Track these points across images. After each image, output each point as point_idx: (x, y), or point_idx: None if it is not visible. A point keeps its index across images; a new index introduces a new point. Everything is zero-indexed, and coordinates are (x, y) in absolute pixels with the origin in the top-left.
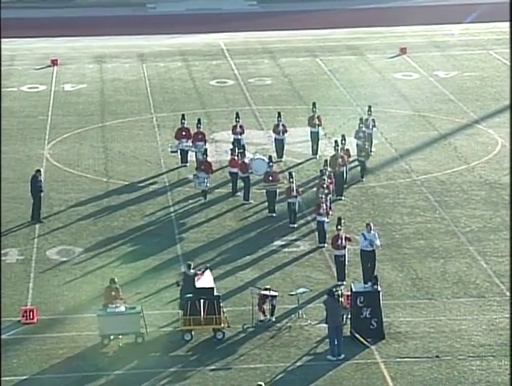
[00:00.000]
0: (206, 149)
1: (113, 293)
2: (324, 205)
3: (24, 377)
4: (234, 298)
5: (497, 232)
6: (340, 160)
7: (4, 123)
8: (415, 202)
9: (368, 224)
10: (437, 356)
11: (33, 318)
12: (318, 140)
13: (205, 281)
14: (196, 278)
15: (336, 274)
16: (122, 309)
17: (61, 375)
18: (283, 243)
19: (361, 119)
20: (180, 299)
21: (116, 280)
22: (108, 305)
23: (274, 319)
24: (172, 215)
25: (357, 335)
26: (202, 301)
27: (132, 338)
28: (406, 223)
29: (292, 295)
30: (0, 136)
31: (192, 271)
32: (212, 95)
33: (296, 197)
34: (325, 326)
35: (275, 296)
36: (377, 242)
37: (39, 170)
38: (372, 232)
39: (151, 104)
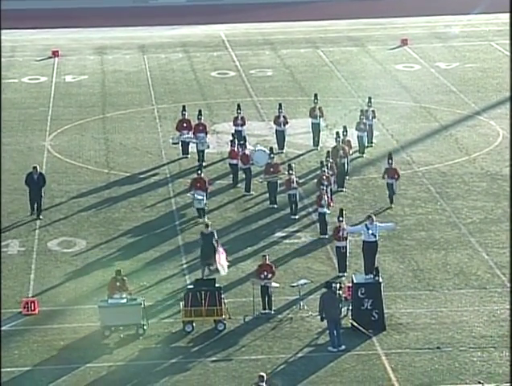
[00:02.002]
0: (201, 165)
1: (118, 283)
2: (326, 197)
3: (25, 368)
4: (235, 290)
5: (498, 223)
6: (341, 151)
7: (5, 114)
8: (416, 193)
9: (370, 216)
10: (438, 347)
11: (34, 310)
12: (319, 131)
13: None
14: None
15: (337, 266)
16: (124, 300)
17: (62, 367)
18: (284, 234)
19: (361, 110)
20: (201, 258)
21: (122, 271)
22: (111, 296)
23: (273, 312)
24: (173, 206)
25: (356, 325)
26: (203, 292)
27: (133, 329)
28: (408, 214)
29: (293, 286)
30: (0, 127)
31: (209, 229)
32: (213, 86)
33: (296, 188)
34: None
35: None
36: (389, 224)
37: (35, 167)
38: (374, 223)
39: (152, 95)
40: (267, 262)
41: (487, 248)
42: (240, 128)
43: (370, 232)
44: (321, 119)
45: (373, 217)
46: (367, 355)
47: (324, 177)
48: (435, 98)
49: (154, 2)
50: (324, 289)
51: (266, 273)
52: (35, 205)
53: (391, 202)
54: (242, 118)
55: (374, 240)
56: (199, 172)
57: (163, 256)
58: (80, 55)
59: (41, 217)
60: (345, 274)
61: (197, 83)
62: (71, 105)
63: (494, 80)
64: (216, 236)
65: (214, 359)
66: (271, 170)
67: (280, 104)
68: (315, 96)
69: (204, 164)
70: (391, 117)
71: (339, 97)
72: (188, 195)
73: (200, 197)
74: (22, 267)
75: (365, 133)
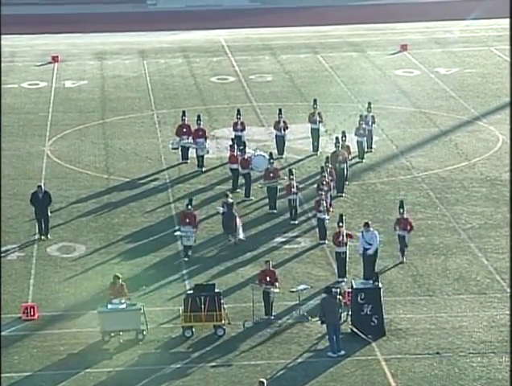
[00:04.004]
0: (191, 199)
1: (117, 288)
2: (324, 202)
3: (25, 374)
4: (235, 295)
5: (497, 228)
6: (340, 157)
7: (5, 120)
8: (416, 198)
9: (366, 223)
10: (438, 353)
11: (34, 315)
12: (319, 136)
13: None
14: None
15: (336, 271)
16: (124, 305)
17: (62, 372)
18: (284, 239)
19: (360, 116)
20: (224, 227)
21: (120, 276)
22: (110, 301)
23: (273, 317)
24: (173, 211)
25: (356, 330)
26: (203, 297)
27: (133, 334)
28: None
29: (293, 292)
30: (0, 132)
31: (230, 200)
32: (212, 91)
33: (297, 194)
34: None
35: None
36: (375, 245)
37: (39, 186)
38: (371, 230)
39: (152, 100)
40: (270, 268)
41: (487, 253)
42: (240, 133)
43: (365, 240)
44: (321, 124)
45: (369, 224)
46: (367, 360)
47: (324, 182)
48: (434, 103)
49: (153, 7)
50: (323, 295)
51: (268, 279)
52: (42, 225)
53: (403, 255)
54: (242, 123)
55: (370, 247)
56: (189, 207)
57: (163, 262)
58: (79, 61)
59: (49, 237)
60: (345, 279)
61: (197, 88)
62: (70, 110)
63: (494, 86)
64: (235, 207)
65: (214, 364)
66: (271, 175)
67: (280, 110)
68: (315, 101)
69: (203, 169)
70: (391, 122)
71: (338, 102)
72: (175, 234)
73: (187, 235)
74: (22, 272)
75: (365, 139)
